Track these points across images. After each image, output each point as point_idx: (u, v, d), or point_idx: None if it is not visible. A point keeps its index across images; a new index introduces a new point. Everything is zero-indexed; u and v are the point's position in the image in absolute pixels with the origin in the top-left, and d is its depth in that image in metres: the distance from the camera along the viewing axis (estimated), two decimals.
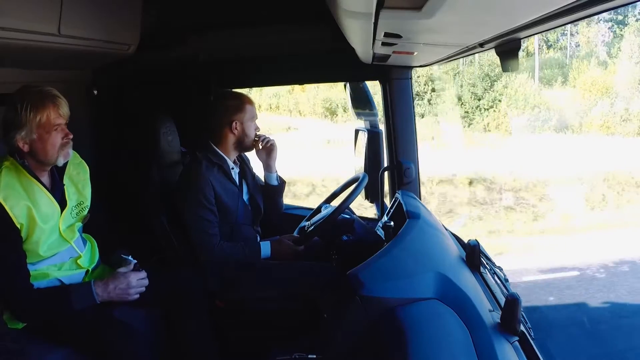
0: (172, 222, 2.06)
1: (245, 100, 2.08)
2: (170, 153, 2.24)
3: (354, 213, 2.38)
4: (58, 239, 1.64)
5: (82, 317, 1.62)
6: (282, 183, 2.22)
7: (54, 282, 1.65)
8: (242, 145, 2.09)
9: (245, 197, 2.14)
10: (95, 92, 2.44)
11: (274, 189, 2.21)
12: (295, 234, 2.23)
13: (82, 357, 1.63)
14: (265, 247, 2.06)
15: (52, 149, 1.58)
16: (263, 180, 2.26)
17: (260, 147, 2.12)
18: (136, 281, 1.72)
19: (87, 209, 1.77)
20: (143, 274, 1.75)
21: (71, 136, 1.62)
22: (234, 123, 2.04)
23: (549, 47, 15.18)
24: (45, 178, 1.64)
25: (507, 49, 1.38)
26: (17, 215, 1.53)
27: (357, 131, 2.69)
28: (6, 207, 1.51)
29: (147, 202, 2.15)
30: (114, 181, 2.44)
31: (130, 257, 1.81)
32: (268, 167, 2.18)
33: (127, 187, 2.40)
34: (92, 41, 1.89)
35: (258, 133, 2.13)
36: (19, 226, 1.54)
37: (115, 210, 2.36)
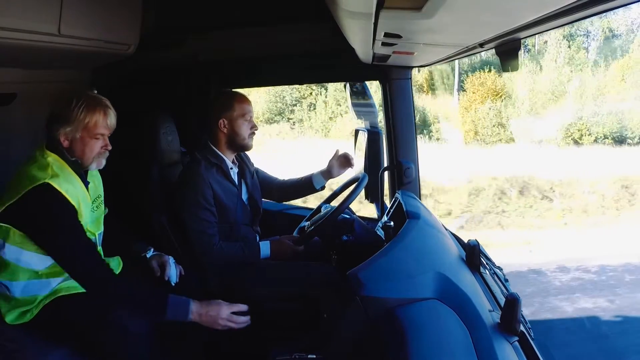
0: (172, 222, 2.06)
1: (234, 99, 2.06)
2: (170, 153, 2.24)
3: (354, 213, 2.38)
4: (88, 231, 1.68)
5: (81, 317, 1.62)
6: (321, 189, 2.31)
7: None
8: (234, 144, 2.07)
9: (244, 197, 2.14)
10: (95, 92, 2.44)
11: (310, 189, 2.30)
12: (295, 234, 2.23)
13: (81, 357, 1.63)
14: (265, 247, 2.06)
15: (90, 154, 1.64)
16: (269, 175, 2.34)
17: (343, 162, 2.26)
18: (228, 314, 1.70)
19: (103, 203, 1.81)
20: (237, 307, 1.72)
21: (110, 148, 1.68)
22: (221, 121, 2.04)
23: (527, 52, 14.91)
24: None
25: (507, 49, 1.38)
26: (74, 203, 1.57)
27: (357, 131, 2.69)
28: (66, 195, 1.54)
29: (147, 202, 2.15)
30: (113, 181, 2.44)
31: (151, 249, 1.87)
32: (330, 176, 2.27)
33: (127, 187, 2.40)
34: (92, 41, 1.89)
35: (347, 153, 2.26)
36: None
37: (115, 210, 2.36)
